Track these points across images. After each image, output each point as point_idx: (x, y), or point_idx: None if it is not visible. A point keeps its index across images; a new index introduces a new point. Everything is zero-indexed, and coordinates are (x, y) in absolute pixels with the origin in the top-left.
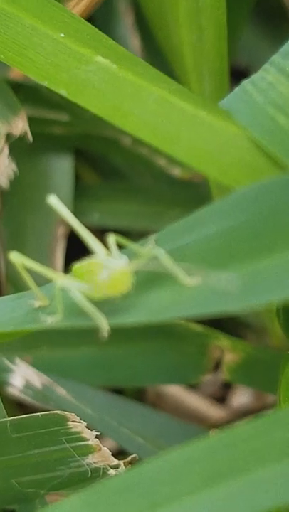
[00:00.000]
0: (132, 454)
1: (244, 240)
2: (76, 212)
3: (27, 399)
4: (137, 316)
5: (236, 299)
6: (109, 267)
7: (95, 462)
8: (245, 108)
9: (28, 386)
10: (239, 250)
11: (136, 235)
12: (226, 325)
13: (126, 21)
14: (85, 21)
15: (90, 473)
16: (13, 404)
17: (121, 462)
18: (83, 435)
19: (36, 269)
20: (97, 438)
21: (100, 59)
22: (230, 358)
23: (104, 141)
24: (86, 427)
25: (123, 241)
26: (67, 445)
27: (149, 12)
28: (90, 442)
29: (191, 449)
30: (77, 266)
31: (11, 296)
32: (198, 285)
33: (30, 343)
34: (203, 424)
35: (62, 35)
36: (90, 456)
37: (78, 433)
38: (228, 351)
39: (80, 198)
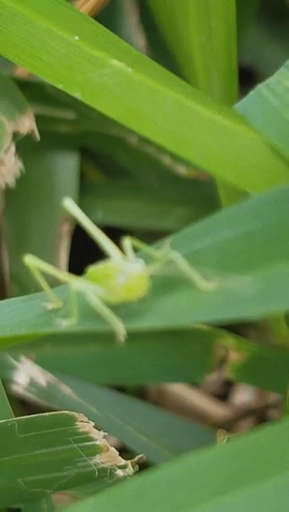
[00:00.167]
0: (136, 452)
1: (261, 245)
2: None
3: (31, 397)
4: (153, 321)
5: (253, 303)
6: (125, 271)
7: (102, 462)
8: (261, 112)
9: (32, 384)
10: (256, 255)
11: (141, 234)
12: (230, 324)
13: (131, 20)
14: (99, 24)
15: (97, 473)
16: (17, 402)
17: (128, 462)
18: (91, 435)
19: (51, 272)
20: (104, 438)
21: (115, 62)
22: (235, 357)
23: (110, 139)
24: (94, 427)
25: (138, 244)
26: (75, 445)
27: (157, 15)
28: (97, 442)
29: (208, 455)
30: (93, 269)
31: (20, 298)
32: (215, 290)
33: (34, 340)
34: (206, 422)
35: (77, 37)
36: (98, 456)
37: (86, 433)
38: (233, 350)
39: (84, 196)
